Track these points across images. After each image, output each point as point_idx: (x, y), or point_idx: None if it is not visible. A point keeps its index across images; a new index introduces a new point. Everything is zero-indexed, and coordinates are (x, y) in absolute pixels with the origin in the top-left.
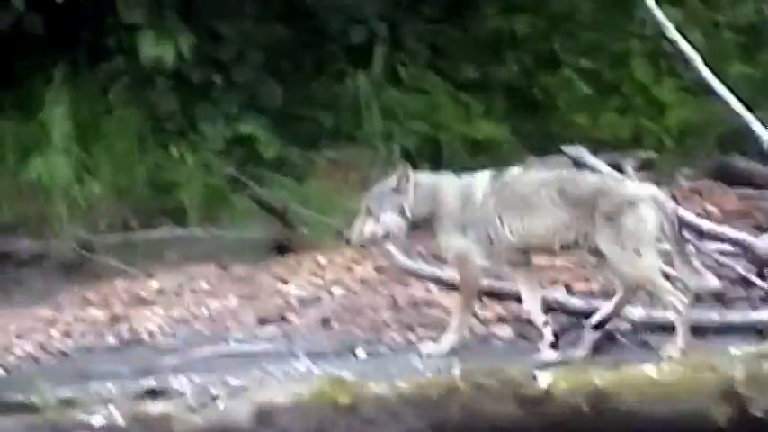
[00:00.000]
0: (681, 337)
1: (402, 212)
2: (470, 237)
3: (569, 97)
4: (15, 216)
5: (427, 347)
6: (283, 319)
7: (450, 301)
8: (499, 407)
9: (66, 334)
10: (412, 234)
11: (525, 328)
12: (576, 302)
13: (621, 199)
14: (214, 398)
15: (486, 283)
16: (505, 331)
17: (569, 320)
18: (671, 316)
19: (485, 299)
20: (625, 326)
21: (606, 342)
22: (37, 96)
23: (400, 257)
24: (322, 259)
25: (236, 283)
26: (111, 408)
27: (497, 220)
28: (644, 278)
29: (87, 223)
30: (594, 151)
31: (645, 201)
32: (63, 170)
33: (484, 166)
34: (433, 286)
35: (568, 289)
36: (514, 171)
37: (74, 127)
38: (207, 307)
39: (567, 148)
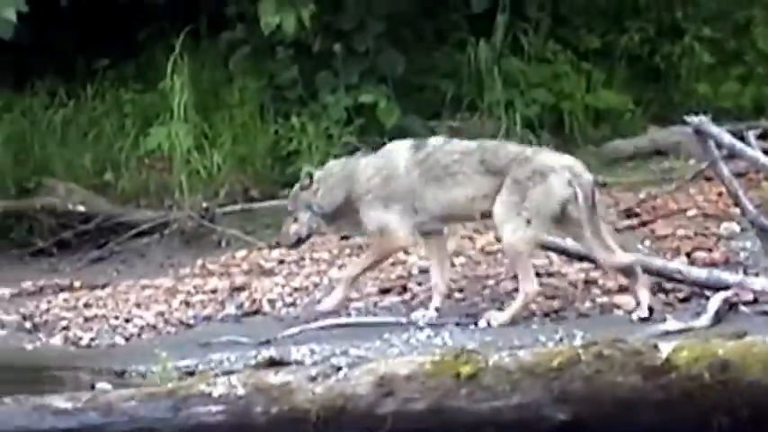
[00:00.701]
0: (509, 311)
1: (311, 208)
2: (394, 210)
3: (691, 66)
4: (136, 186)
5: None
6: (405, 288)
7: (572, 270)
8: (621, 377)
9: (187, 304)
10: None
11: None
12: (698, 272)
13: (535, 167)
14: (335, 368)
15: None
16: (628, 301)
17: (691, 290)
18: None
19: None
20: (747, 296)
21: (729, 312)
22: (158, 66)
23: None
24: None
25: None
26: (232, 378)
27: (421, 191)
28: (517, 247)
29: (208, 193)
30: (716, 120)
31: (557, 172)
32: (183, 140)
33: (603, 137)
34: (554, 256)
35: (690, 258)
36: (436, 141)
37: (194, 96)
38: (328, 277)
39: (690, 118)
